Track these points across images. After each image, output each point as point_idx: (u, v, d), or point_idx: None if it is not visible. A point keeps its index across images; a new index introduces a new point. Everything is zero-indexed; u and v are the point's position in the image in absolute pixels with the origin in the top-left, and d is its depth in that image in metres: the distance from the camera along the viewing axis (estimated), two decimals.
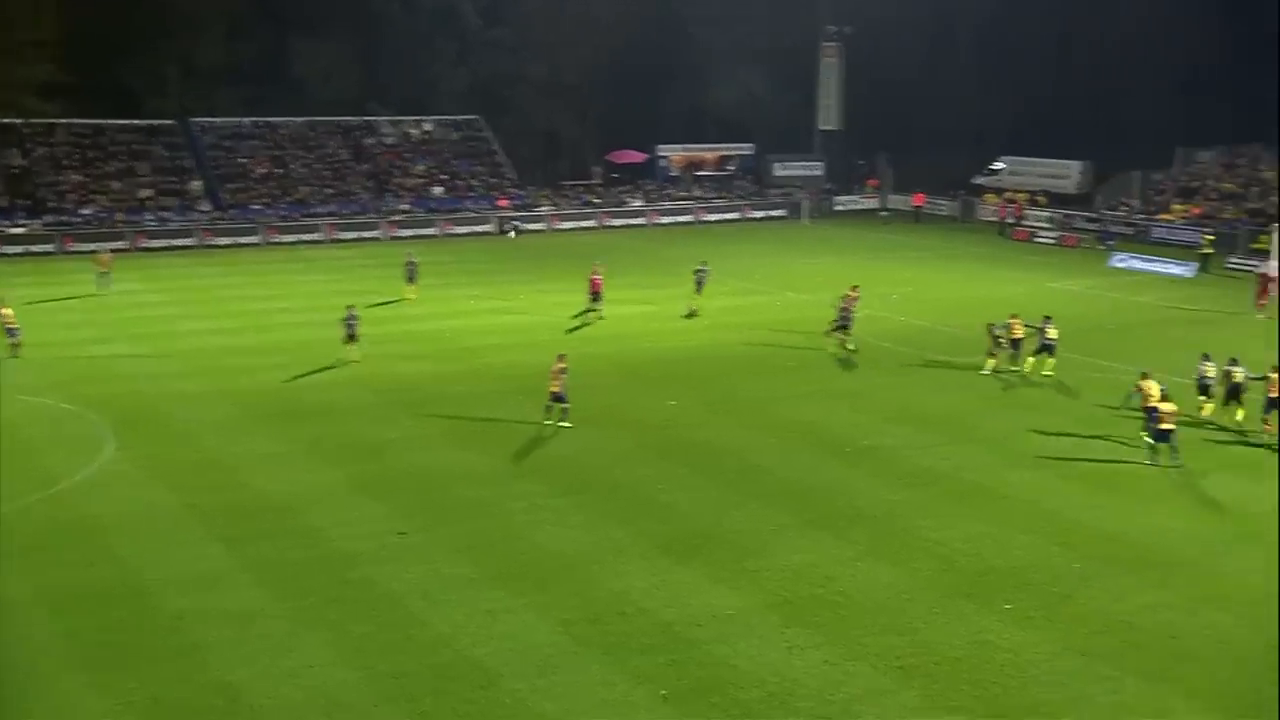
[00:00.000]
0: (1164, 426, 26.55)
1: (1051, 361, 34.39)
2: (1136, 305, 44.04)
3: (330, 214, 64.48)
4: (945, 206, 73.57)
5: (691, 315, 42.28)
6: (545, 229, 66.79)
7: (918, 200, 72.34)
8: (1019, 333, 34.96)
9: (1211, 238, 53.65)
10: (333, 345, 36.12)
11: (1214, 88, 71.17)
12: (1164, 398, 26.88)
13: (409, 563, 21.42)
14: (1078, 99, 76.62)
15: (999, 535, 22.79)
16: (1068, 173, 73.42)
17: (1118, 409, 30.07)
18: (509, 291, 47.91)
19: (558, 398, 29.36)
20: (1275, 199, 58.20)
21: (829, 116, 79.86)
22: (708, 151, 78.23)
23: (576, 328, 41.02)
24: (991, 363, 34.67)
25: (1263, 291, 43.31)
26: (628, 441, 28.27)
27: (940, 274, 52.76)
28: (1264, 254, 51.45)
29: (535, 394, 30.81)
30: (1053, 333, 34.43)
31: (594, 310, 42.40)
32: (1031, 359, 34.61)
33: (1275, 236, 49.23)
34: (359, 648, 18.52)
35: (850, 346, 36.78)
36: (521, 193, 69.92)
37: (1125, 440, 28.14)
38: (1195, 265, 52.11)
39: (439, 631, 18.99)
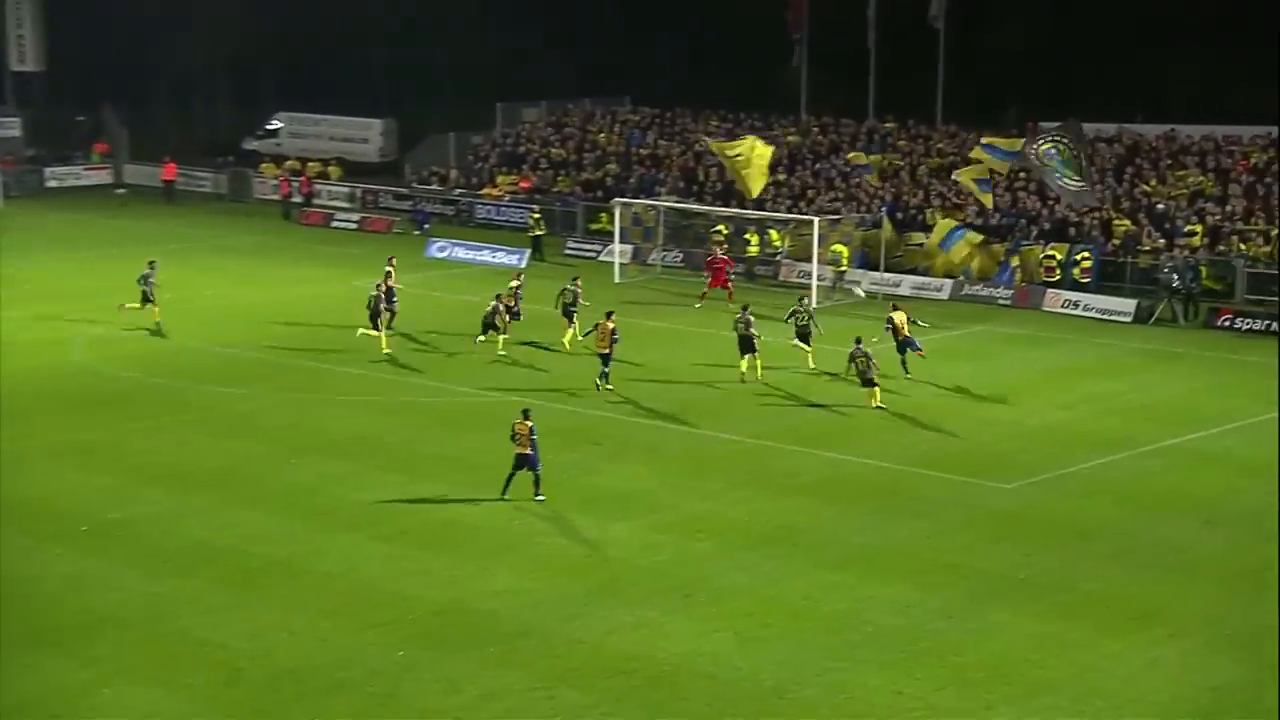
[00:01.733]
0: (520, 451, 28.58)
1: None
2: (465, 306, 46.85)
3: None
4: (209, 180, 73.61)
5: (157, 332, 43.06)
6: None
7: (169, 173, 71.70)
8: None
9: (538, 216, 58.45)
10: None
11: (538, 32, 77.73)
12: (525, 417, 28.88)
13: None
14: (373, 37, 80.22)
15: (299, 625, 23.23)
16: (368, 134, 76.47)
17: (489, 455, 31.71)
18: None
19: None
20: (611, 167, 64.66)
21: (25, 53, 76.61)
22: None
23: None
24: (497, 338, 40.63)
25: (717, 279, 47.99)
26: None
27: (209, 275, 52.71)
28: (606, 235, 57.08)
29: None
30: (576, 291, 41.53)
31: None
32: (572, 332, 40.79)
33: (618, 213, 54.87)
34: None
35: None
36: None
37: (467, 482, 29.86)
38: (527, 252, 56.48)
39: None
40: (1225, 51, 64.60)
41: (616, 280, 52.07)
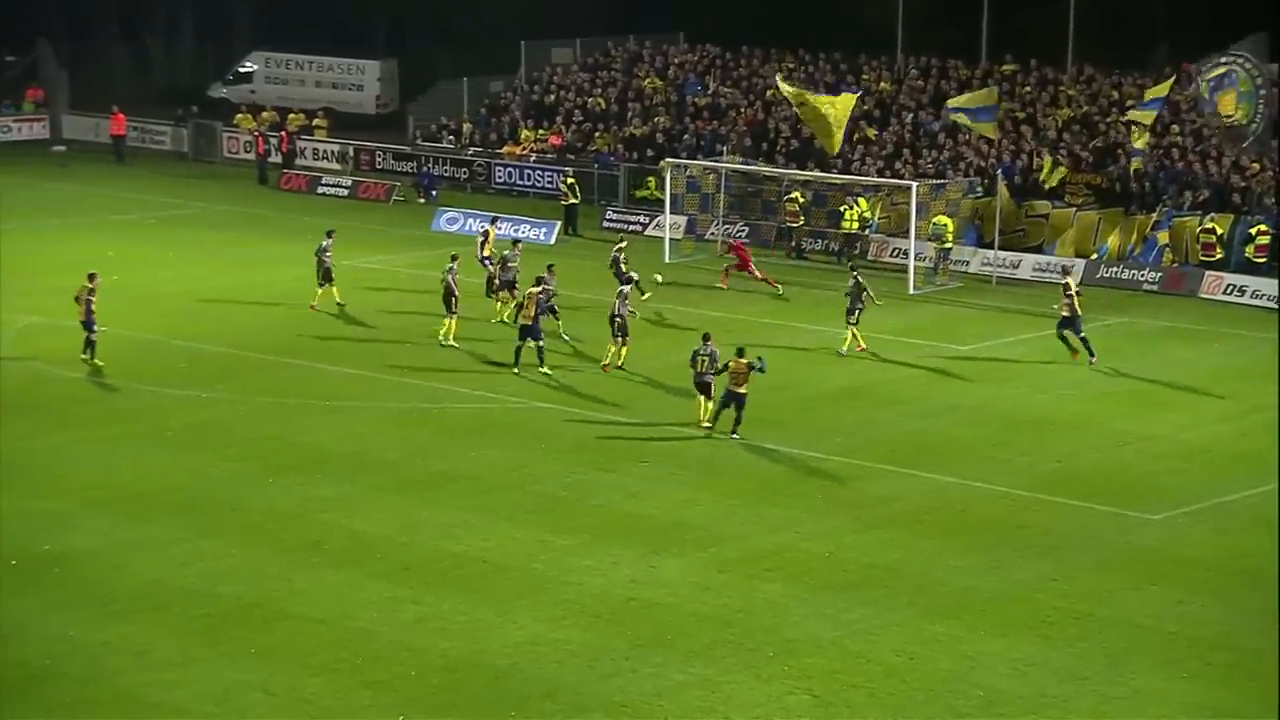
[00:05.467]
0: (734, 389, 31.50)
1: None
2: (481, 292, 46.86)
3: None
4: (167, 135, 74.01)
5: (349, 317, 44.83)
6: None
7: (117, 125, 72.00)
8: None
9: (572, 181, 58.46)
10: None
11: None
12: (740, 355, 30.60)
13: None
14: None
15: (278, 684, 23.30)
16: (363, 80, 76.59)
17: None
18: None
19: None
20: (661, 121, 64.62)
21: None
22: None
23: None
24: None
25: (742, 263, 48.29)
26: None
27: (168, 251, 52.93)
28: (655, 204, 57.04)
29: None
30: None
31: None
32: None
33: (669, 177, 54.80)
34: None
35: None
36: None
37: (484, 508, 29.86)
38: (556, 225, 56.49)
39: None
40: None
41: (667, 259, 52.02)
